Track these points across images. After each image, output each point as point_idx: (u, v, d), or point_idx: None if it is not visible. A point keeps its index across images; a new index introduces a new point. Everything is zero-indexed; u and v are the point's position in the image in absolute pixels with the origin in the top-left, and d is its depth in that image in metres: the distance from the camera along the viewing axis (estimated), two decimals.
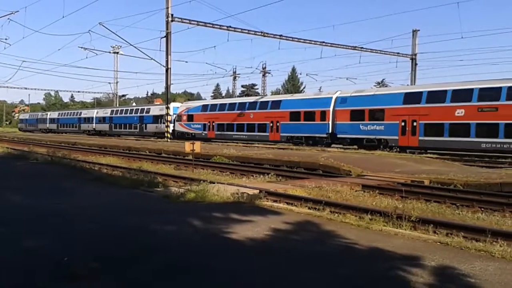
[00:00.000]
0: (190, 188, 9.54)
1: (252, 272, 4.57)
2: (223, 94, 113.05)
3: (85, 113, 69.54)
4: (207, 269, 4.63)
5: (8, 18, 37.19)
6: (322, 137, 33.80)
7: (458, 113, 26.47)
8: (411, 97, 29.23)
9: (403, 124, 29.02)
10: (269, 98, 43.44)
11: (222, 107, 43.95)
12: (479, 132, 25.40)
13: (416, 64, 47.34)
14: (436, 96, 27.93)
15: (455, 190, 12.51)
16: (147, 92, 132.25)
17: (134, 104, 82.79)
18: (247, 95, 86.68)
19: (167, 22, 35.37)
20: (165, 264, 4.76)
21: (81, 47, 44.56)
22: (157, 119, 51.06)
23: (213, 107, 45.02)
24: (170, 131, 39.10)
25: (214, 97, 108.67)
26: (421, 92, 29.10)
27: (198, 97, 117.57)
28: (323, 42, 41.97)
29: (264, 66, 73.92)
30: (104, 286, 4.12)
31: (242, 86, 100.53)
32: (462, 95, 26.58)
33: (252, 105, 40.52)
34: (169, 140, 37.36)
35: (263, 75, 75.21)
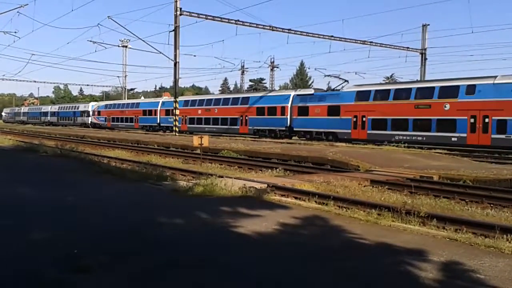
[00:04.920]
0: (198, 182, 9.56)
1: (260, 266, 4.58)
2: (231, 88, 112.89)
3: (44, 109, 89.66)
4: (215, 262, 4.65)
5: (18, 11, 37.36)
6: (154, 126, 53.63)
7: (199, 112, 47.40)
8: (186, 103, 49.45)
9: (183, 117, 47.79)
10: (134, 101, 66.79)
11: (114, 106, 65.52)
12: (222, 122, 44.29)
13: (425, 59, 46.91)
14: (193, 103, 49.46)
15: (465, 186, 12.42)
16: (155, 86, 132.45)
17: (142, 97, 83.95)
18: (255, 89, 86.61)
19: (175, 16, 35.36)
20: (173, 257, 4.79)
21: (90, 41, 44.88)
22: (82, 114, 71.00)
23: (110, 106, 66.57)
24: (178, 125, 39.16)
25: (222, 91, 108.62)
26: (189, 100, 50.90)
27: (206, 91, 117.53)
28: (332, 36, 41.75)
29: (272, 60, 73.91)
30: (113, 278, 4.15)
31: (250, 81, 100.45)
32: (215, 102, 46.40)
33: (128, 105, 62.01)
34: (177, 134, 37.44)
35: (271, 69, 75.13)
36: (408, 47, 46.27)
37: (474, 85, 26.61)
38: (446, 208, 9.68)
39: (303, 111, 35.33)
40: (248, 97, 43.07)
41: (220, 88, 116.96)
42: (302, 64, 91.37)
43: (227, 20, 37.35)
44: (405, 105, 29.29)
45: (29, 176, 11.78)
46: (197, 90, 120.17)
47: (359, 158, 17.71)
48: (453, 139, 26.92)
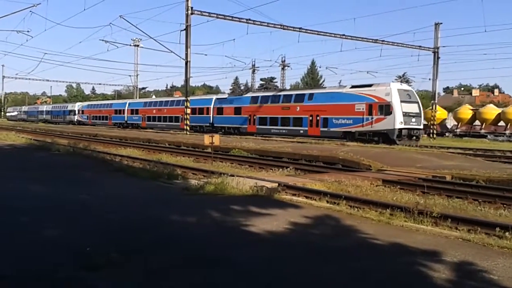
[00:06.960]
0: (210, 180, 9.59)
1: (271, 265, 4.57)
2: (242, 87, 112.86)
3: (40, 108, 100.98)
4: (226, 261, 4.65)
5: (30, 11, 37.56)
6: (122, 123, 61.73)
7: (154, 112, 55.35)
8: (145, 104, 59.61)
9: (143, 116, 57.11)
10: (108, 101, 77.17)
11: (94, 106, 76.30)
12: (169, 120, 52.15)
13: (438, 58, 46.32)
14: (149, 104, 58.43)
15: (478, 186, 12.30)
16: (167, 85, 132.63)
17: (153, 96, 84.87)
18: (266, 88, 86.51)
19: (186, 15, 35.36)
20: (184, 255, 4.81)
21: (102, 40, 45.01)
22: (70, 112, 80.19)
23: (91, 106, 77.49)
24: (189, 123, 39.28)
25: (233, 90, 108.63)
26: (146, 102, 59.97)
27: (217, 90, 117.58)
28: (343, 35, 41.37)
29: (283, 59, 73.42)
30: (125, 276, 4.17)
31: (261, 79, 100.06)
32: (165, 103, 54.97)
33: (104, 105, 71.59)
34: (188, 133, 37.52)
35: (282, 68, 74.72)
36: (420, 46, 45.69)
37: (313, 93, 36.70)
38: (459, 208, 9.59)
39: (220, 111, 45.10)
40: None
41: (231, 87, 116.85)
42: (313, 63, 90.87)
43: (238, 19, 37.29)
44: (276, 107, 38.95)
45: (41, 174, 11.88)
46: (208, 89, 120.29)
47: (370, 157, 17.62)
48: (301, 131, 35.86)
